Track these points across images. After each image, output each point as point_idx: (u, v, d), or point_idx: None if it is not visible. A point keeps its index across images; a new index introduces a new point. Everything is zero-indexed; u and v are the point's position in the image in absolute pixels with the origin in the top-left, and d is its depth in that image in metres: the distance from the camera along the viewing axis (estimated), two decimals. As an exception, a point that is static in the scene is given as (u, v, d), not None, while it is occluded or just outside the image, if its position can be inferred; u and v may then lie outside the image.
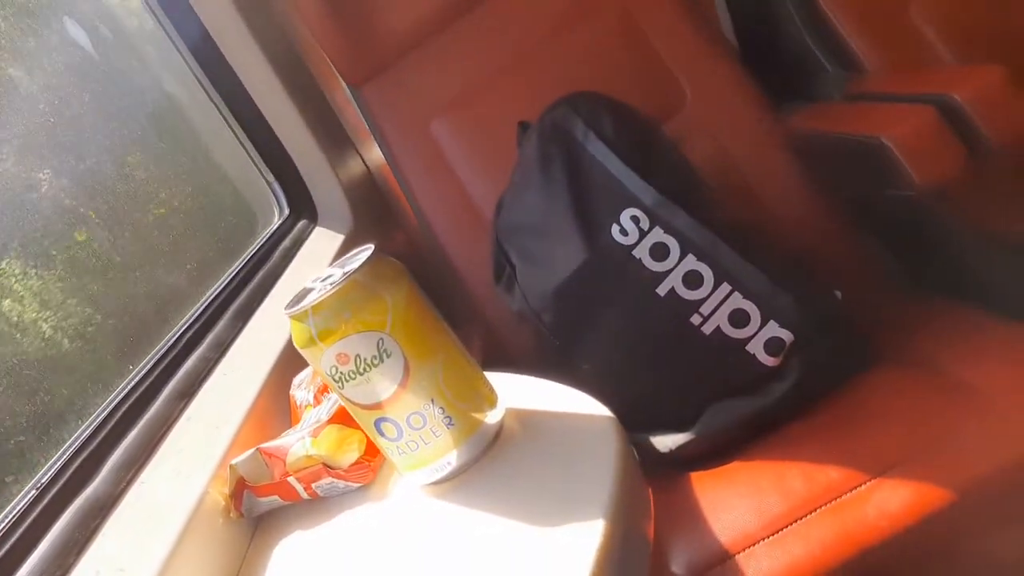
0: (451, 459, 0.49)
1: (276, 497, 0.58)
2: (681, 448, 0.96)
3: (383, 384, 0.47)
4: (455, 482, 0.50)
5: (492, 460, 0.50)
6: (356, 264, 0.47)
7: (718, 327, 0.93)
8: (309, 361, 0.48)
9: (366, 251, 0.49)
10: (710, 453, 0.94)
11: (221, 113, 1.17)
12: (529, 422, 0.52)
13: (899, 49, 1.16)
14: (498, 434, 0.51)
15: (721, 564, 0.80)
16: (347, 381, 0.47)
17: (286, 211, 1.22)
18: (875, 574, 0.77)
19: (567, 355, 1.05)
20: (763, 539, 0.80)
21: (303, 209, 1.23)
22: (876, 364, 0.95)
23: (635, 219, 0.96)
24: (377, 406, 0.48)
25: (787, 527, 0.80)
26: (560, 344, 1.04)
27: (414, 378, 0.47)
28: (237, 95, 1.16)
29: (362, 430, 0.53)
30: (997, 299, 0.94)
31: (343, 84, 1.37)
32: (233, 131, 1.18)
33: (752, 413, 0.93)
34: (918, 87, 0.99)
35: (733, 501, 0.86)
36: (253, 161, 1.21)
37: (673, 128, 1.21)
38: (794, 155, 1.16)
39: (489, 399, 0.51)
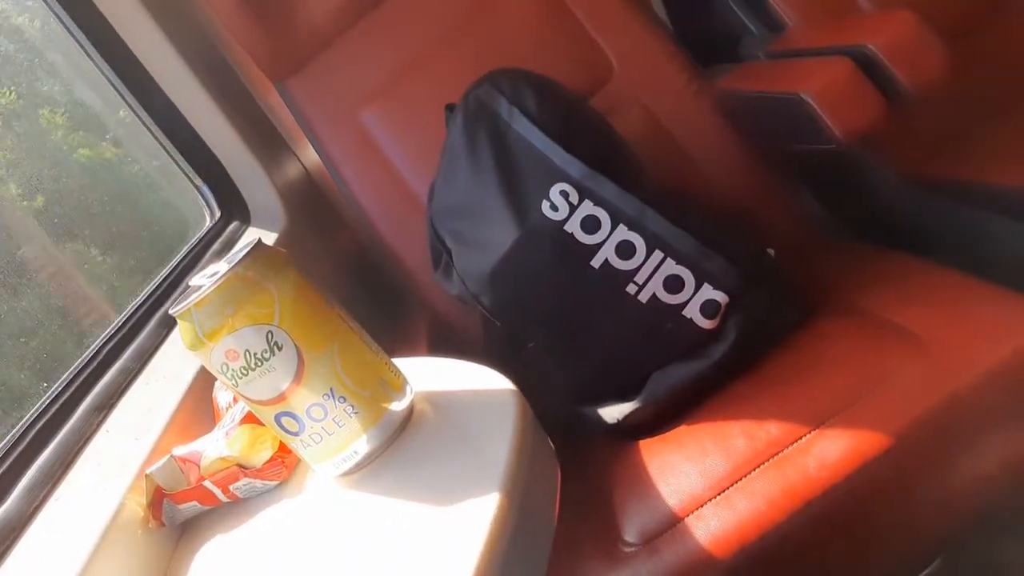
0: (358, 448, 0.48)
1: (195, 503, 0.57)
2: (628, 417, 0.96)
3: (278, 378, 0.46)
4: (367, 470, 0.49)
5: (403, 445, 0.49)
6: (239, 257, 0.46)
7: (654, 294, 0.93)
8: (201, 361, 0.47)
9: (251, 243, 0.48)
10: (657, 419, 0.94)
11: (138, 116, 1.13)
12: (441, 404, 0.52)
13: (820, 5, 1.16)
14: (408, 419, 0.50)
15: (671, 528, 0.81)
16: (240, 378, 0.46)
17: (217, 213, 1.19)
18: (823, 522, 0.78)
19: (512, 336, 1.05)
20: (710, 500, 0.80)
21: (235, 210, 1.20)
22: (813, 317, 0.96)
23: (564, 193, 0.95)
24: (275, 400, 0.46)
25: (732, 486, 0.80)
26: (503, 325, 1.04)
27: (310, 369, 0.46)
28: (154, 96, 1.13)
29: (273, 427, 0.52)
30: (925, 244, 0.95)
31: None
32: (153, 135, 1.15)
33: (694, 376, 0.93)
34: (834, 39, 0.99)
35: (680, 465, 0.86)
36: (178, 164, 1.18)
37: (602, 99, 1.20)
38: (723, 117, 1.16)
39: (394, 384, 0.50)
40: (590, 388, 1.00)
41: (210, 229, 1.14)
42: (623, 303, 0.93)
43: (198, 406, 0.69)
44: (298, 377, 0.46)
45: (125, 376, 0.73)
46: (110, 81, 1.15)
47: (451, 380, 0.54)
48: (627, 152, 1.05)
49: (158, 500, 0.57)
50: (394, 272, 1.27)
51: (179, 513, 0.58)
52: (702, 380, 0.93)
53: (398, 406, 0.50)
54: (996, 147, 0.93)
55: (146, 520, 0.57)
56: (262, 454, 0.54)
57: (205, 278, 0.47)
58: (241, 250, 0.47)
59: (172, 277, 0.96)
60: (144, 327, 0.82)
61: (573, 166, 0.96)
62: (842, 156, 0.96)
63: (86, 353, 0.77)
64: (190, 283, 0.48)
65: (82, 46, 1.10)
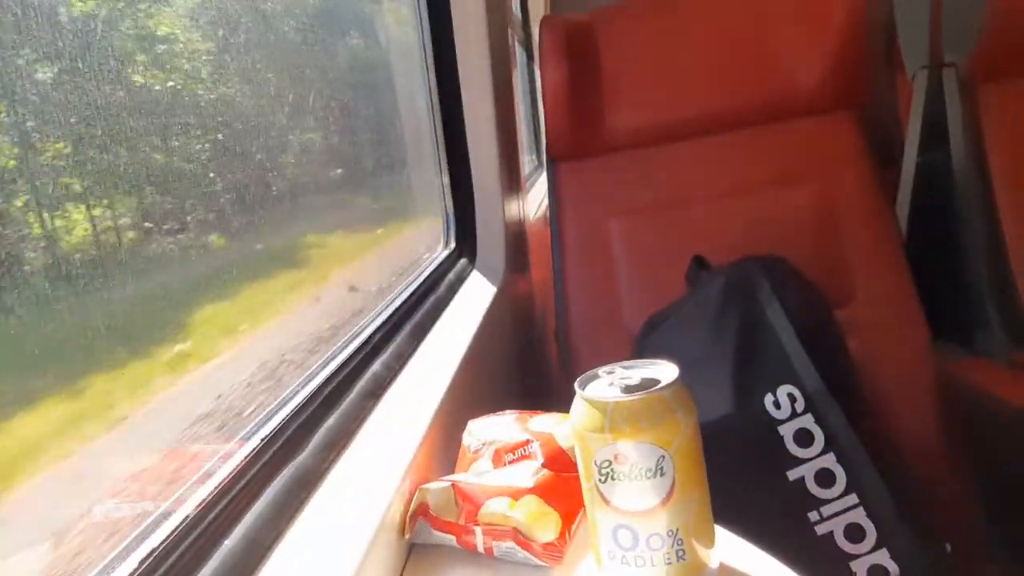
0: (665, 589, 0.50)
1: (452, 537, 0.59)
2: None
3: (645, 497, 0.48)
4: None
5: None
6: (662, 380, 0.50)
7: (831, 533, 0.93)
8: (580, 442, 0.50)
9: (668, 370, 0.52)
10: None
11: (434, 130, 1.22)
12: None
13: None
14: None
15: None
16: (613, 480, 0.49)
17: (452, 244, 1.26)
18: None
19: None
20: None
21: (465, 246, 1.26)
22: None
23: (791, 397, 0.97)
24: (628, 513, 0.49)
25: None
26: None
27: (674, 503, 0.48)
28: (453, 113, 1.21)
29: (562, 514, 0.55)
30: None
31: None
32: (436, 147, 1.23)
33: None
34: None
35: None
36: (441, 182, 1.25)
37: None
38: (940, 396, 1.17)
39: (711, 545, 0.52)
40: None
41: (444, 260, 1.20)
42: (801, 527, 0.93)
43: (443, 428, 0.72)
44: (663, 504, 0.48)
45: (388, 372, 0.77)
46: (430, 90, 1.24)
47: (737, 557, 0.56)
48: (856, 383, 1.07)
49: (417, 515, 0.59)
50: (556, 362, 1.31)
51: (429, 537, 0.60)
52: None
53: (712, 566, 0.52)
54: None
55: (402, 528, 0.59)
56: (545, 533, 0.56)
57: (606, 373, 0.51)
58: (654, 368, 0.51)
59: (417, 294, 1.01)
60: (398, 333, 0.87)
61: (811, 376, 0.98)
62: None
63: (360, 337, 0.81)
64: (599, 372, 0.52)
65: (425, 62, 1.20)
